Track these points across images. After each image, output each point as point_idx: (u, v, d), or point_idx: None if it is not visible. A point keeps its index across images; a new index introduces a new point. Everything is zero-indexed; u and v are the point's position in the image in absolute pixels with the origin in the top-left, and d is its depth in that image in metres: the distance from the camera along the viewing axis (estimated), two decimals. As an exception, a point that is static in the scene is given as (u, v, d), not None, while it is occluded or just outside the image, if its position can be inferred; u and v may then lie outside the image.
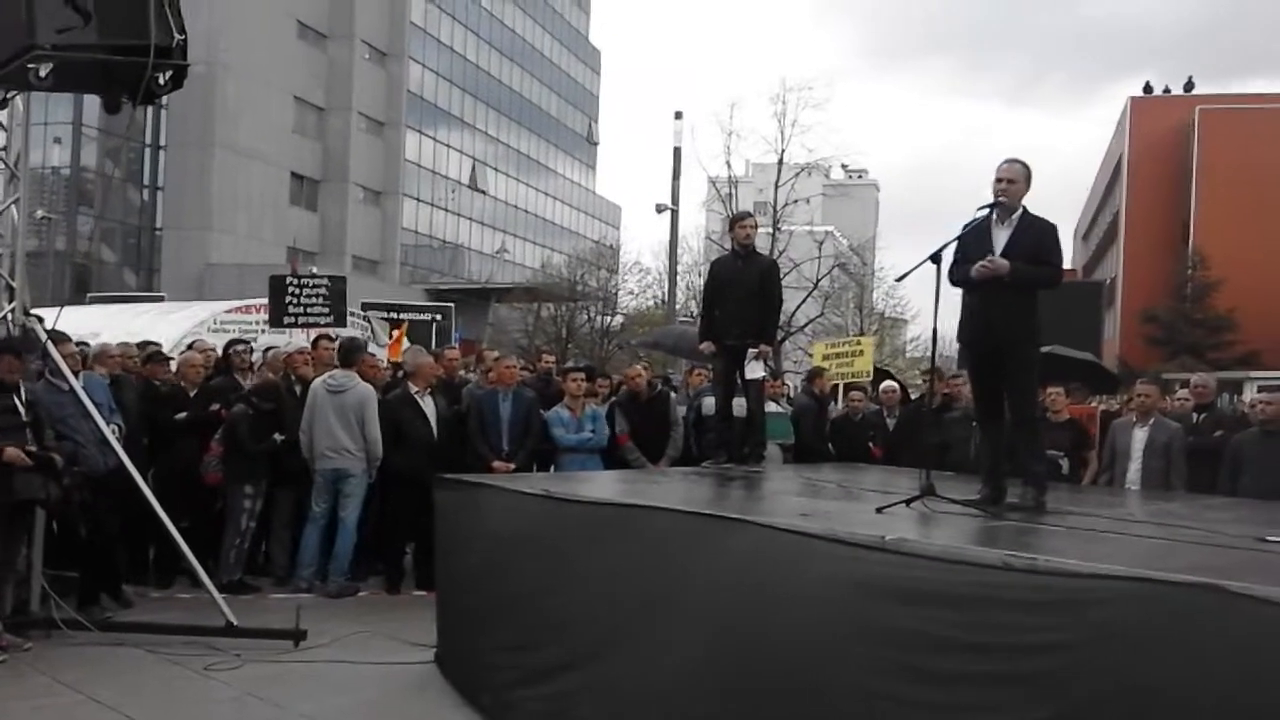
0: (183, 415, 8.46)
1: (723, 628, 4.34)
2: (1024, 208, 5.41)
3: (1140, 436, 8.00)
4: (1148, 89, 56.05)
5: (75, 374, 7.26)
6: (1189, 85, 54.38)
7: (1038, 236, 5.35)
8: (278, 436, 8.35)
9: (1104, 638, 3.21)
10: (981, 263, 5.29)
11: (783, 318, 33.41)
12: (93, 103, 33.23)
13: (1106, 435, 8.64)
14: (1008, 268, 5.27)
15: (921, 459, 5.98)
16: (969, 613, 3.52)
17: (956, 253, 5.42)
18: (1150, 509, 5.87)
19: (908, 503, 5.01)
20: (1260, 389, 8.93)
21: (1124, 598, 3.20)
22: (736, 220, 7.82)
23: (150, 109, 35.89)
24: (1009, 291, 5.32)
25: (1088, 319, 11.14)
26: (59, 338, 7.37)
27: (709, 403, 8.72)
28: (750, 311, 7.43)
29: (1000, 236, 5.37)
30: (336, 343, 9.49)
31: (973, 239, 5.42)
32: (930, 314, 5.45)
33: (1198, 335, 44.84)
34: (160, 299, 21.59)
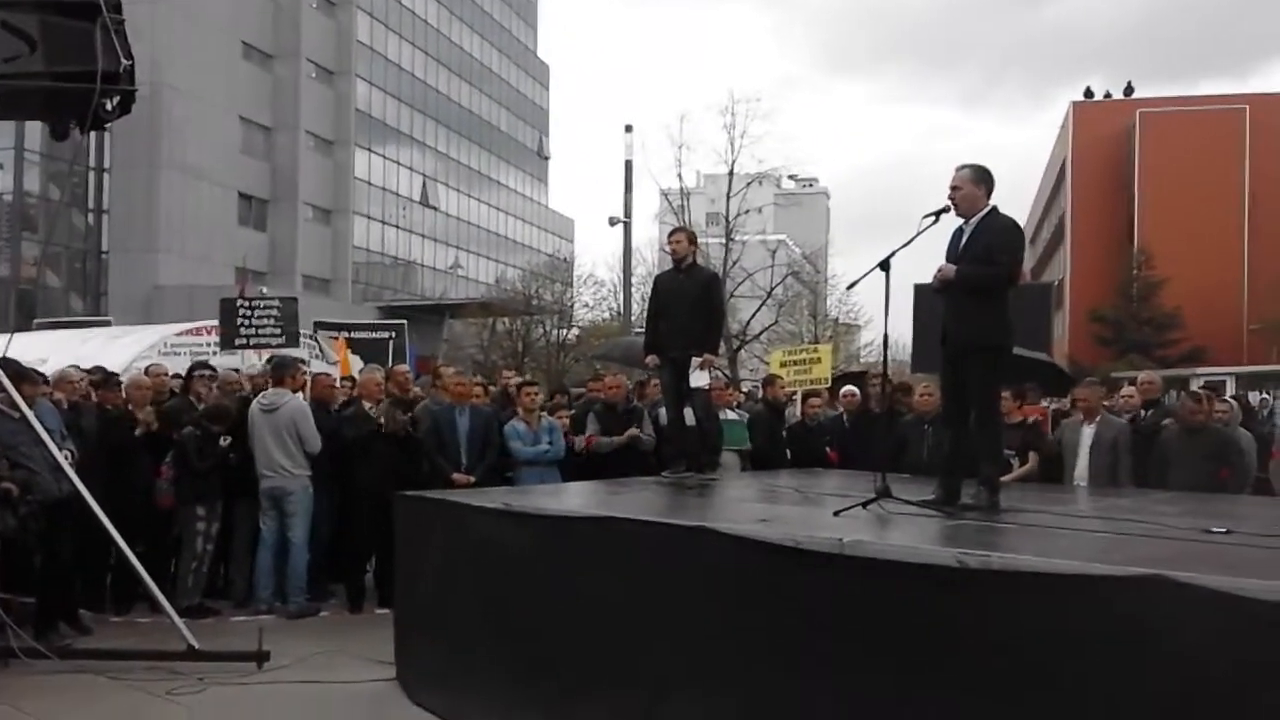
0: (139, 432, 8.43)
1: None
2: (992, 208, 5.46)
3: (1088, 434, 8.14)
4: (1088, 94, 57.04)
5: (30, 403, 7.15)
6: (1129, 89, 55.38)
7: (989, 236, 5.41)
8: (223, 440, 8.31)
9: (1061, 632, 3.30)
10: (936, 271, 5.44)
11: (737, 326, 33.94)
12: (34, 127, 32.61)
13: (1055, 433, 8.80)
14: (953, 272, 5.40)
15: (877, 462, 6.06)
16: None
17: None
18: (1100, 505, 5.98)
19: (864, 505, 5.10)
20: (1202, 388, 9.10)
21: (1077, 591, 3.30)
22: (669, 236, 7.96)
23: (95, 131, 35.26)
24: (961, 295, 5.44)
25: (1038, 320, 11.30)
26: (25, 374, 7.27)
27: (662, 414, 8.76)
28: (693, 323, 7.51)
29: (964, 240, 5.48)
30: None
31: (950, 245, 5.54)
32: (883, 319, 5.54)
33: (1145, 333, 45.66)
34: (107, 323, 21.20)
